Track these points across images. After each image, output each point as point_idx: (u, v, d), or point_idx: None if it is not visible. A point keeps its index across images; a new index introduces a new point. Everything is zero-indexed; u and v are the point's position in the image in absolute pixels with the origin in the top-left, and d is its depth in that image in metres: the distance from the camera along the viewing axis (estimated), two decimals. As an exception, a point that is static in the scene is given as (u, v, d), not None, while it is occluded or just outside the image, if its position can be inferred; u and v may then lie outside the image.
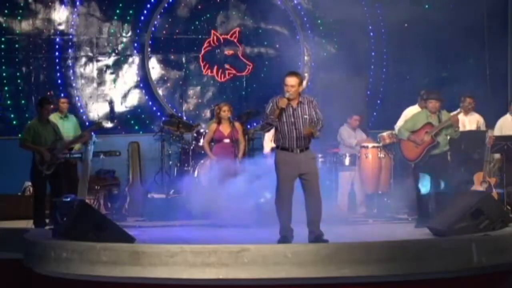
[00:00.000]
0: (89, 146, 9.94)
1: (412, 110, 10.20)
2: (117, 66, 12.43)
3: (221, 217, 9.12)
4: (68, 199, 7.98)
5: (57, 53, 12.22)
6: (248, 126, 11.46)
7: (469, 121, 10.20)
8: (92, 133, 9.85)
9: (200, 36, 12.55)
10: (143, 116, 12.37)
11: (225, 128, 10.07)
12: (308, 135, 7.23)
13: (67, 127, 10.19)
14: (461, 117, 10.14)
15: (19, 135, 9.67)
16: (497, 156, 9.81)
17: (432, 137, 8.75)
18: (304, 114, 7.27)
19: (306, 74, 12.80)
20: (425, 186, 8.92)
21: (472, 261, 6.73)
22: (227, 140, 9.99)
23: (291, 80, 7.23)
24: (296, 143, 7.27)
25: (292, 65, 12.10)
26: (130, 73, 12.47)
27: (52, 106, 9.58)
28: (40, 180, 9.21)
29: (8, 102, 12.05)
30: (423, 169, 8.84)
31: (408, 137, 8.89)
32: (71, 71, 12.28)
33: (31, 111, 11.82)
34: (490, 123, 10.36)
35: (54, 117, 9.98)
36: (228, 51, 12.63)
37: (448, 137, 8.95)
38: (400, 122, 10.33)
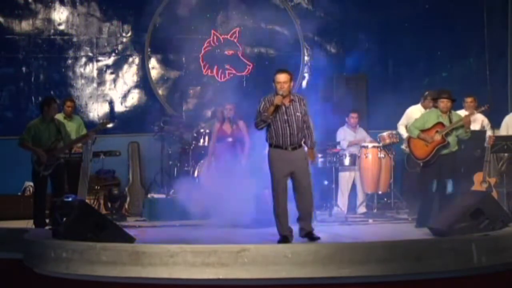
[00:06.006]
0: (89, 146, 9.94)
1: (415, 109, 10.22)
2: (117, 66, 12.42)
3: (221, 217, 9.12)
4: (68, 199, 7.98)
5: (57, 53, 12.22)
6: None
7: (473, 121, 10.19)
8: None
9: (200, 36, 12.53)
10: (143, 116, 12.35)
11: (227, 127, 10.12)
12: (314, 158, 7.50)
13: (71, 128, 10.15)
14: None
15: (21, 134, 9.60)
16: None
17: (443, 136, 8.74)
18: (297, 112, 7.40)
19: (306, 74, 12.82)
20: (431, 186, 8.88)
21: (472, 261, 6.73)
22: (230, 139, 10.01)
23: (283, 77, 7.34)
24: (289, 141, 7.36)
25: (292, 65, 12.11)
26: (130, 73, 12.47)
27: (57, 105, 9.59)
28: (39, 180, 9.20)
29: (8, 102, 12.04)
30: (432, 168, 8.81)
31: (418, 135, 8.87)
32: (71, 71, 12.28)
33: (31, 111, 11.81)
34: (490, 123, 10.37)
35: (58, 117, 9.94)
36: (228, 51, 12.62)
37: (457, 138, 8.92)
38: (402, 121, 10.34)
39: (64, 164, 9.39)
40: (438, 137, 8.75)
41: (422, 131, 8.86)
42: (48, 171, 9.13)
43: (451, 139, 8.79)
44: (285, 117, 7.34)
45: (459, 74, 12.56)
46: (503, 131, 9.98)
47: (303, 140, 7.52)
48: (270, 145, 7.46)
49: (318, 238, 7.30)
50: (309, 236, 7.32)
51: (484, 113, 9.93)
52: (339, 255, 6.49)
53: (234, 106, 10.22)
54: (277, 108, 7.31)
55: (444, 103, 8.83)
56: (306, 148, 7.62)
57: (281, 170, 7.34)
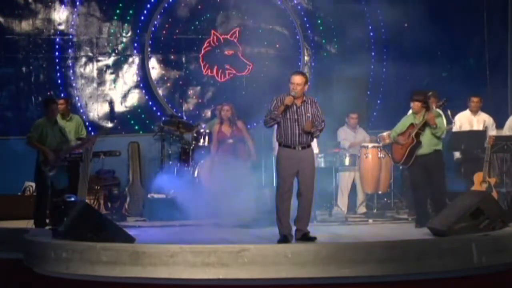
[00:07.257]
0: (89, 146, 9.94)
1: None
2: (117, 66, 12.42)
3: (221, 217, 9.12)
4: (68, 199, 7.99)
5: (57, 53, 12.20)
6: (248, 126, 11.45)
7: (477, 121, 10.22)
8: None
9: (200, 36, 12.53)
10: (143, 116, 12.36)
11: (226, 128, 10.14)
12: (307, 132, 7.36)
13: (69, 128, 10.15)
14: (469, 116, 10.21)
15: (21, 134, 9.60)
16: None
17: (413, 137, 8.76)
18: (307, 113, 7.48)
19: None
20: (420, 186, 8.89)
21: (472, 261, 6.74)
22: (230, 141, 10.05)
23: (298, 79, 7.45)
24: (298, 140, 7.44)
25: (292, 65, 12.11)
26: (130, 73, 12.46)
27: (56, 106, 9.58)
28: (42, 180, 9.19)
29: (8, 102, 12.03)
30: (416, 169, 8.84)
31: (394, 139, 8.98)
32: (71, 71, 12.27)
33: (31, 111, 11.82)
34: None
35: (57, 118, 9.94)
36: (228, 51, 12.62)
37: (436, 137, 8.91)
38: None
39: (66, 166, 9.38)
40: (409, 139, 8.79)
41: (400, 134, 8.93)
42: (53, 171, 9.12)
43: (427, 138, 8.77)
44: (295, 117, 7.43)
45: (459, 74, 12.56)
46: (505, 131, 9.99)
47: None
48: (280, 144, 7.54)
49: (315, 238, 7.31)
50: (305, 237, 7.34)
51: (442, 108, 9.79)
52: (339, 255, 6.49)
53: (231, 106, 10.25)
54: (287, 108, 7.39)
55: (414, 104, 8.88)
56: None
57: (287, 169, 7.42)
